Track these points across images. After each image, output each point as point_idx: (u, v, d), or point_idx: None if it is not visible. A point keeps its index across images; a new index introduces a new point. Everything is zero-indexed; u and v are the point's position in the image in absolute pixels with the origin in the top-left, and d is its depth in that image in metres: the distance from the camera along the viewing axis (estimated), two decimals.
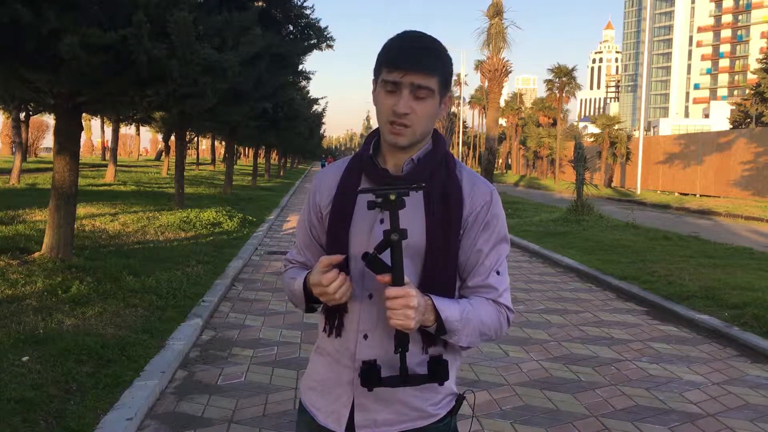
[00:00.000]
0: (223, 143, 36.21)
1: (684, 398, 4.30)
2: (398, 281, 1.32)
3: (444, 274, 1.45)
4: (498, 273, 1.48)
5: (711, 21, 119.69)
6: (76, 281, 6.31)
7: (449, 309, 1.39)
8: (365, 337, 1.46)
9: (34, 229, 9.38)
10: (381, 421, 1.47)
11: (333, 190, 1.54)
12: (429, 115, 1.42)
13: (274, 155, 45.57)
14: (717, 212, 21.29)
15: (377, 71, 1.44)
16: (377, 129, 1.53)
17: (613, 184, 39.64)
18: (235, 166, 37.92)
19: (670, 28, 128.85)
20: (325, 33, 14.49)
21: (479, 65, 49.46)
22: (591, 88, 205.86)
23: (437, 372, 1.38)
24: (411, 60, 1.37)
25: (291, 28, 14.37)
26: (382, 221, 1.45)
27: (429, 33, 1.44)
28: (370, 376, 1.38)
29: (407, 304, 1.30)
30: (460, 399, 1.55)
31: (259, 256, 9.96)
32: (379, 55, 1.43)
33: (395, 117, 1.39)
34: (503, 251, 1.50)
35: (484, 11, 31.70)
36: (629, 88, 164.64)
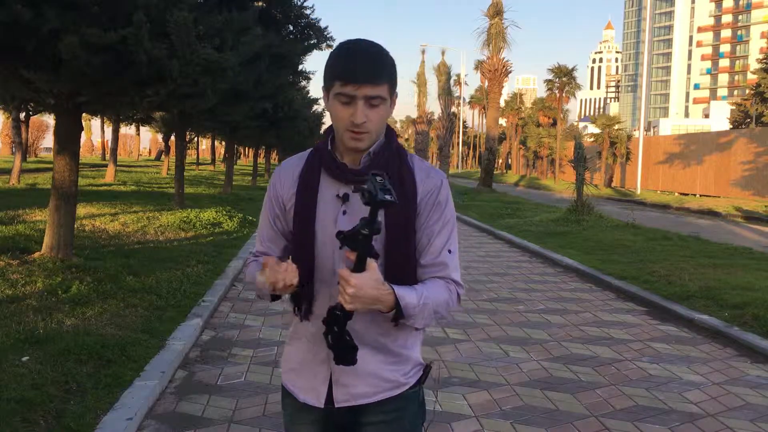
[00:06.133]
0: (223, 143, 36.22)
1: (684, 398, 4.30)
2: (358, 269, 1.43)
3: (405, 255, 1.58)
4: (450, 252, 1.62)
5: (711, 21, 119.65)
6: (76, 281, 6.31)
7: (408, 296, 1.50)
8: None
9: (34, 229, 9.37)
10: (358, 394, 1.62)
11: (295, 185, 1.64)
12: (383, 118, 1.55)
13: (274, 155, 45.55)
14: (717, 212, 21.29)
15: (329, 83, 1.53)
16: (331, 127, 1.64)
17: (613, 184, 39.64)
18: (235, 166, 37.92)
19: (670, 28, 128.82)
20: (325, 33, 14.51)
21: (479, 65, 49.44)
22: (591, 88, 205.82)
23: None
24: (363, 74, 1.47)
25: (291, 28, 14.38)
26: (345, 212, 1.58)
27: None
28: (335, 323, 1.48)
29: (354, 294, 1.41)
30: (427, 369, 1.71)
31: None
32: (329, 68, 1.53)
33: (354, 127, 1.51)
34: (453, 232, 1.64)
35: (484, 11, 31.78)
36: (629, 88, 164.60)
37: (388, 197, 1.36)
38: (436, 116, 53.03)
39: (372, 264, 1.43)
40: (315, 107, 40.95)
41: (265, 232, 1.72)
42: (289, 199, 1.64)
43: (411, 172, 1.61)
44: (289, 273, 1.47)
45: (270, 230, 1.70)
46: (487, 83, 35.39)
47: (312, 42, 14.49)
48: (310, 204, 1.60)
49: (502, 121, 67.98)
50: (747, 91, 55.25)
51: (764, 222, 18.56)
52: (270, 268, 1.47)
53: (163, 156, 41.70)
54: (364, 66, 1.48)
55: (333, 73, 1.51)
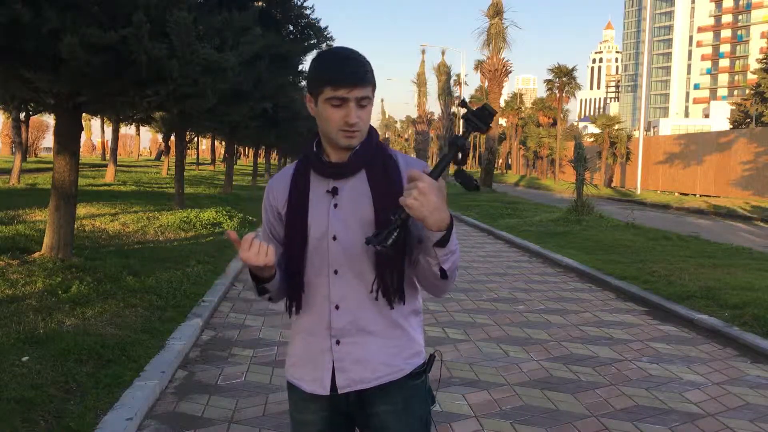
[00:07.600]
0: (223, 143, 36.21)
1: (684, 398, 4.30)
2: (433, 176, 1.51)
3: None
4: None
5: (711, 21, 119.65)
6: (76, 281, 6.31)
7: (454, 232, 1.59)
8: (336, 307, 1.69)
9: (34, 229, 9.37)
10: (359, 379, 1.70)
11: (287, 190, 1.75)
12: (370, 116, 1.69)
13: (274, 155, 45.56)
14: (717, 212, 21.28)
15: (318, 89, 1.63)
16: (317, 133, 1.74)
17: (613, 184, 39.61)
18: (235, 166, 37.92)
19: (670, 28, 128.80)
20: (325, 33, 14.49)
21: (479, 65, 49.41)
22: (591, 88, 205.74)
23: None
24: (354, 78, 1.60)
25: (291, 28, 14.37)
26: (335, 205, 1.68)
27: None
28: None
29: (422, 190, 1.46)
30: (431, 358, 1.78)
31: None
32: (318, 75, 1.63)
33: (347, 127, 1.62)
34: None
35: (484, 11, 31.79)
36: (629, 88, 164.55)
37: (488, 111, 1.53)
38: (436, 116, 53.08)
39: (443, 182, 1.51)
40: None
41: (262, 238, 1.82)
42: (283, 205, 1.75)
43: (394, 161, 1.73)
44: (254, 253, 1.55)
45: (266, 236, 1.82)
46: (487, 83, 35.38)
47: (312, 42, 14.47)
48: (302, 202, 1.71)
49: (502, 121, 67.95)
50: (747, 91, 55.29)
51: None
52: (242, 247, 1.55)
53: (163, 156, 41.69)
54: (354, 70, 1.60)
55: (323, 79, 1.61)
